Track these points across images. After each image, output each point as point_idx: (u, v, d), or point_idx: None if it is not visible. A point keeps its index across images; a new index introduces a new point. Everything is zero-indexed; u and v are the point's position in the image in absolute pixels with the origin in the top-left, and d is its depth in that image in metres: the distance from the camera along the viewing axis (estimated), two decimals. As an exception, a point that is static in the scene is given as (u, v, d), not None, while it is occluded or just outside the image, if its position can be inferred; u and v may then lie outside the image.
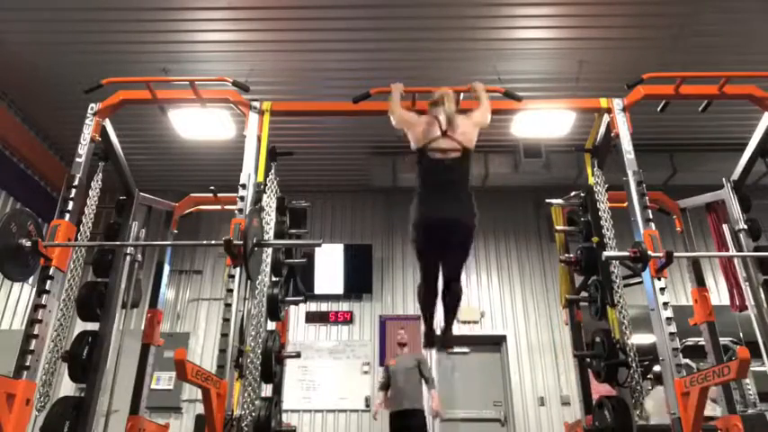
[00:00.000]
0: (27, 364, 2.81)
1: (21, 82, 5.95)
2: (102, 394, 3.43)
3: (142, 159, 7.07)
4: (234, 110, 3.96)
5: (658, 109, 3.85)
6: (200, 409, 5.93)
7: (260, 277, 3.45)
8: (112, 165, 3.88)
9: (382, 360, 6.81)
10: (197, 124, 5.84)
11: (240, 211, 3.28)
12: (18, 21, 5.14)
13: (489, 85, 3.58)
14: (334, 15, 5.16)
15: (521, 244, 7.77)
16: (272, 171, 3.93)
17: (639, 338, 3.66)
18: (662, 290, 3.04)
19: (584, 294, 4.18)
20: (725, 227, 3.90)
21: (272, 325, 3.92)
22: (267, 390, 3.75)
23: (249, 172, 3.45)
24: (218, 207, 4.73)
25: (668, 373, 2.90)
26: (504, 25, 5.30)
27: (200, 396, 2.66)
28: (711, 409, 5.17)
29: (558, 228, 4.64)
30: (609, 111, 3.71)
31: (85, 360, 3.43)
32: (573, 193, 4.42)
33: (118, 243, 3.84)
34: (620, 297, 3.53)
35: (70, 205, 3.25)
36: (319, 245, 3.55)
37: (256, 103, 3.75)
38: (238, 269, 3.12)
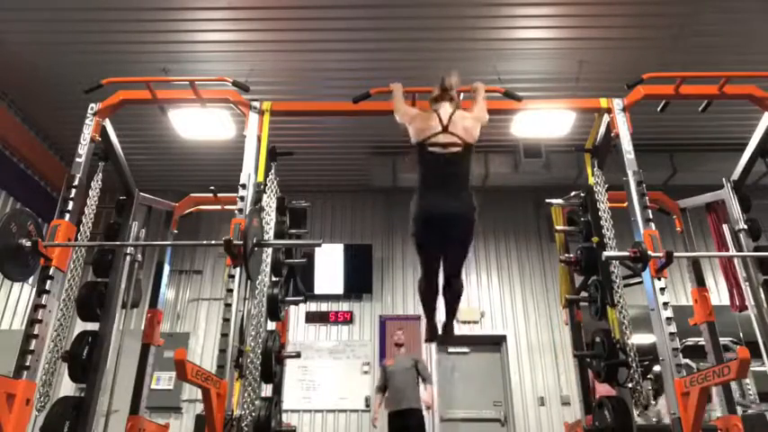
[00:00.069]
0: (27, 364, 2.81)
1: (21, 82, 5.95)
2: (102, 394, 3.43)
3: (142, 159, 7.07)
4: (234, 110, 3.96)
5: (658, 109, 3.85)
6: (200, 408, 5.94)
7: (260, 277, 3.45)
8: (112, 165, 3.88)
9: (382, 360, 6.81)
10: (197, 124, 5.84)
11: (240, 211, 3.28)
12: (18, 21, 5.14)
13: (489, 85, 3.58)
14: (334, 15, 5.16)
15: (521, 244, 7.77)
16: (272, 171, 3.93)
17: (639, 338, 3.66)
18: (662, 290, 3.04)
19: (584, 294, 4.18)
20: (725, 227, 3.90)
21: (272, 325, 3.93)
22: (267, 390, 3.75)
23: (249, 172, 3.45)
24: (218, 207, 4.73)
25: (668, 373, 2.90)
26: (504, 25, 5.30)
27: (200, 396, 2.66)
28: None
29: (558, 228, 4.64)
30: (609, 111, 3.71)
31: (85, 360, 3.43)
32: (573, 193, 4.42)
33: (118, 243, 3.84)
34: (620, 297, 3.53)
35: (70, 205, 3.25)
36: (319, 245, 3.56)
37: (256, 103, 3.75)
38: (238, 269, 3.12)
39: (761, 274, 3.59)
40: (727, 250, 3.85)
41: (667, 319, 2.97)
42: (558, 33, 5.38)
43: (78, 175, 3.35)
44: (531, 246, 7.74)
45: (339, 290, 7.43)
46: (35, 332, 2.90)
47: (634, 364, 3.34)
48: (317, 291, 7.37)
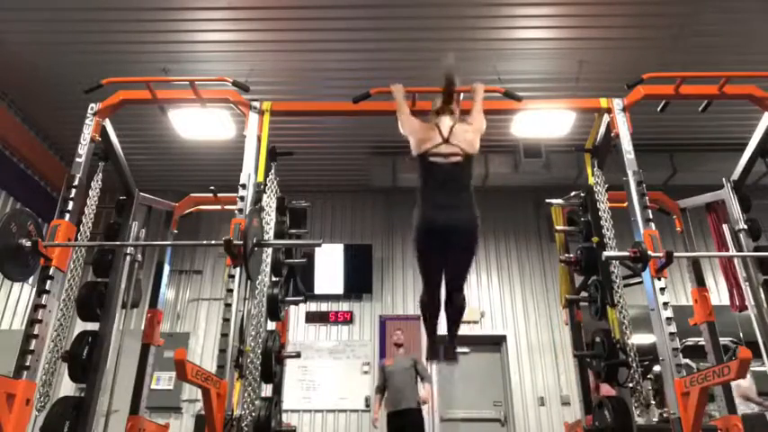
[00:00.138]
0: (27, 364, 2.81)
1: (21, 82, 5.95)
2: (102, 394, 3.43)
3: (142, 159, 7.07)
4: (234, 110, 3.96)
5: (658, 109, 3.85)
6: (199, 406, 5.93)
7: (260, 277, 3.45)
8: (112, 165, 3.88)
9: (381, 360, 6.81)
10: (197, 124, 5.84)
11: (240, 211, 3.28)
12: (18, 21, 5.14)
13: (489, 86, 3.58)
14: (334, 15, 5.16)
15: (521, 244, 7.77)
16: (272, 171, 3.93)
17: (639, 338, 3.66)
18: (662, 290, 3.04)
19: (584, 294, 4.18)
20: (725, 227, 3.89)
21: (272, 325, 3.93)
22: (267, 390, 3.75)
23: (249, 172, 3.45)
24: (218, 207, 4.73)
25: (668, 373, 2.90)
26: (504, 25, 5.30)
27: (200, 396, 2.66)
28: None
29: (558, 228, 4.64)
30: (609, 111, 3.71)
31: (85, 360, 3.43)
32: (573, 193, 4.42)
33: (118, 243, 3.84)
34: (620, 297, 3.53)
35: (70, 205, 3.25)
36: (319, 245, 3.55)
37: (256, 103, 3.75)
38: (238, 269, 3.11)
39: (761, 274, 3.59)
40: (727, 250, 3.85)
41: (667, 319, 2.97)
42: (558, 33, 5.38)
43: (78, 175, 3.35)
44: (531, 246, 7.74)
45: (339, 290, 7.43)
46: (35, 332, 2.90)
47: (634, 364, 3.34)
48: (317, 291, 7.37)
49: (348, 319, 7.34)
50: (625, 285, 3.60)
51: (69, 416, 3.21)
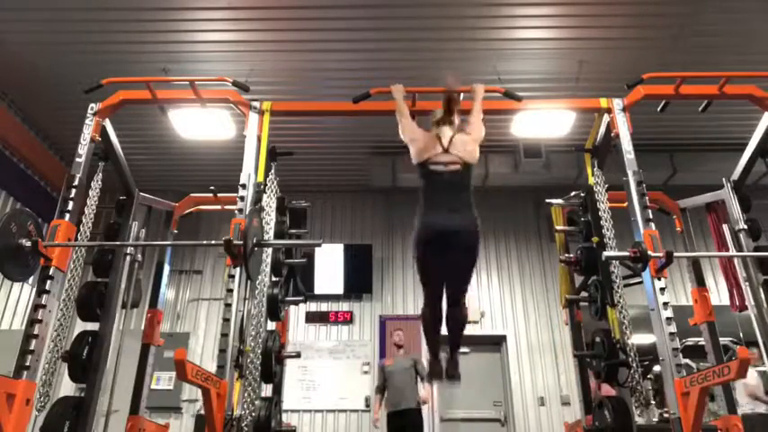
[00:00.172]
0: (27, 364, 2.81)
1: (21, 82, 5.95)
2: (102, 394, 3.43)
3: (142, 159, 7.07)
4: (234, 110, 3.96)
5: (658, 109, 3.85)
6: (199, 406, 5.93)
7: (260, 277, 3.45)
8: (112, 165, 3.88)
9: (381, 360, 6.81)
10: (197, 124, 5.84)
11: (240, 211, 3.28)
12: (18, 21, 5.14)
13: (489, 86, 3.58)
14: (334, 15, 5.16)
15: (521, 244, 7.77)
16: (272, 171, 3.93)
17: (639, 338, 3.66)
18: (662, 290, 3.04)
19: (584, 294, 4.18)
20: (725, 227, 3.90)
21: (272, 325, 3.92)
22: (267, 390, 3.75)
23: (249, 172, 3.45)
24: (218, 207, 4.73)
25: (668, 373, 2.90)
26: (504, 25, 5.30)
27: (200, 396, 2.66)
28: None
29: (558, 228, 4.64)
30: (609, 111, 3.71)
31: (85, 360, 3.43)
32: (573, 193, 4.42)
33: (118, 243, 3.84)
34: (620, 297, 3.53)
35: (70, 205, 3.24)
36: (319, 245, 3.55)
37: (256, 103, 3.75)
38: (238, 269, 3.11)
39: (761, 274, 3.59)
40: (727, 250, 3.85)
41: (667, 319, 2.97)
42: (558, 33, 5.38)
43: (78, 175, 3.35)
44: (531, 246, 7.74)
45: (339, 290, 7.43)
46: (35, 332, 2.90)
47: (634, 364, 3.34)
48: (317, 291, 7.37)
49: (348, 319, 7.34)
50: (625, 285, 3.60)
51: (69, 416, 3.20)
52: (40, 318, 2.93)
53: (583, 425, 3.90)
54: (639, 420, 5.31)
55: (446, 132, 3.07)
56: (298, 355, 4.16)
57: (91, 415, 3.28)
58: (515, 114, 5.32)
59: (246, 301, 3.31)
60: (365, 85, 3.76)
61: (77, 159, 3.40)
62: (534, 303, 7.39)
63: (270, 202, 3.76)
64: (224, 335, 3.01)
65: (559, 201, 4.68)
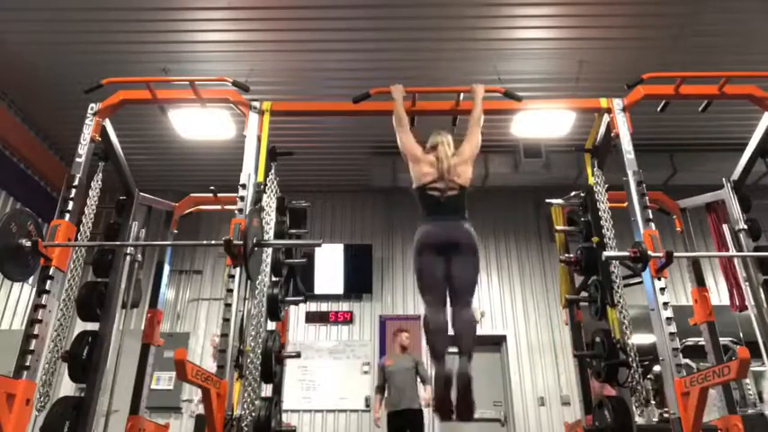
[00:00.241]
0: (27, 364, 2.81)
1: (21, 82, 5.95)
2: (102, 394, 3.43)
3: (142, 159, 7.07)
4: (234, 110, 3.96)
5: (658, 109, 3.85)
6: (199, 408, 5.93)
7: (260, 277, 3.44)
8: (112, 165, 3.87)
9: (381, 359, 6.80)
10: (197, 124, 5.84)
11: (240, 211, 3.28)
12: (18, 21, 5.14)
13: (489, 86, 3.59)
14: (334, 15, 5.16)
15: (521, 244, 7.77)
16: (272, 171, 3.93)
17: (639, 338, 3.66)
18: (662, 290, 3.04)
19: (584, 294, 4.17)
20: (725, 227, 3.89)
21: (272, 325, 3.92)
22: (267, 390, 3.75)
23: (249, 172, 3.45)
24: (218, 207, 4.72)
25: (668, 373, 2.89)
26: (504, 25, 5.30)
27: (195, 396, 2.66)
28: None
29: (558, 228, 4.63)
30: (609, 111, 3.70)
31: (85, 360, 3.42)
32: (573, 193, 4.42)
33: (118, 243, 3.84)
34: (620, 297, 3.53)
35: (70, 205, 3.24)
36: (319, 245, 3.55)
37: (256, 103, 3.74)
38: (238, 269, 3.11)
39: (761, 274, 3.58)
40: (727, 250, 3.85)
41: (667, 319, 2.96)
42: (558, 33, 5.39)
43: (78, 175, 3.35)
44: (531, 246, 7.74)
45: (339, 290, 7.43)
46: (35, 332, 2.89)
47: (634, 364, 3.34)
48: (317, 291, 7.37)
49: (348, 319, 7.34)
50: (625, 285, 3.59)
51: (69, 416, 3.20)
52: (40, 318, 2.93)
53: (583, 425, 3.90)
54: (639, 420, 5.30)
55: (444, 157, 3.21)
56: (298, 355, 4.15)
57: (91, 415, 3.28)
58: (515, 114, 5.32)
59: (246, 301, 3.31)
60: (365, 85, 3.76)
61: (77, 159, 3.40)
62: (534, 303, 7.39)
63: (270, 202, 3.76)
64: (224, 335, 3.01)
65: (559, 201, 4.68)
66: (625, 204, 3.42)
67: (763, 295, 3.54)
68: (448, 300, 3.21)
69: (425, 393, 5.63)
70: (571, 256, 4.19)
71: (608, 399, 3.50)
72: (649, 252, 2.95)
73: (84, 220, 3.44)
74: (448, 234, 3.11)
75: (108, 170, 3.77)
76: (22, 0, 4.91)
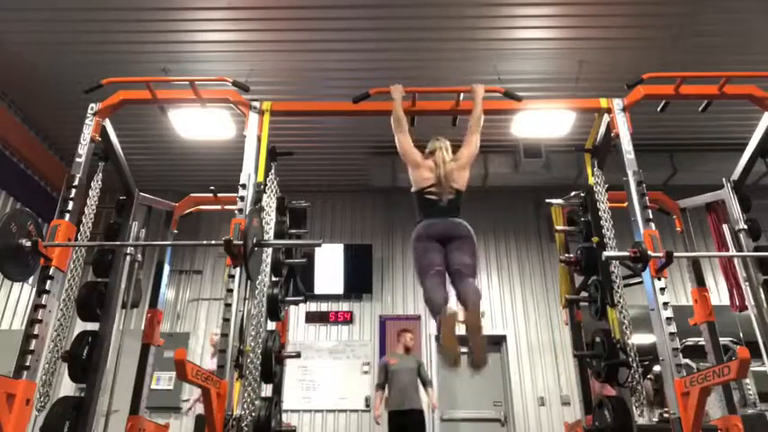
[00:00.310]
0: (27, 364, 2.81)
1: (21, 82, 5.95)
2: (102, 394, 3.43)
3: (142, 159, 7.07)
4: (234, 110, 3.95)
5: (658, 109, 3.85)
6: (199, 408, 5.93)
7: (260, 277, 3.44)
8: (112, 165, 3.87)
9: (383, 357, 6.80)
10: (197, 124, 5.84)
11: (240, 211, 3.28)
12: (18, 21, 5.14)
13: (489, 86, 3.59)
14: (334, 15, 5.16)
15: (521, 244, 7.77)
16: (272, 171, 3.93)
17: (639, 338, 3.66)
18: (662, 290, 3.04)
19: (584, 294, 4.17)
20: (725, 227, 3.89)
21: (272, 325, 3.92)
22: (267, 390, 3.75)
23: (249, 172, 3.45)
24: (218, 207, 4.72)
25: (668, 373, 2.89)
26: (504, 25, 5.30)
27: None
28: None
29: (558, 228, 4.63)
30: (609, 111, 3.70)
31: (85, 360, 3.42)
32: (573, 193, 4.42)
33: (118, 243, 3.84)
34: (620, 297, 3.52)
35: (70, 205, 3.24)
36: (319, 245, 3.54)
37: (256, 103, 3.74)
38: (238, 269, 3.11)
39: (761, 274, 3.58)
40: (727, 250, 3.85)
41: (667, 319, 2.96)
42: (558, 33, 5.39)
43: (78, 175, 3.35)
44: (531, 246, 7.74)
45: (339, 290, 7.44)
46: (35, 332, 2.89)
47: (634, 364, 3.34)
48: (317, 291, 7.38)
49: (348, 319, 7.34)
50: (625, 285, 3.59)
51: (69, 416, 3.20)
52: (40, 318, 2.93)
53: (583, 425, 3.90)
54: (639, 420, 5.30)
55: (442, 163, 3.29)
56: (298, 355, 4.15)
57: (91, 415, 3.28)
58: (515, 114, 5.32)
59: (246, 301, 3.31)
60: (365, 85, 3.76)
61: (77, 159, 3.40)
62: (534, 303, 7.40)
63: (270, 202, 3.76)
64: (224, 335, 3.01)
65: (559, 201, 4.68)
66: (625, 204, 3.41)
67: (763, 295, 3.54)
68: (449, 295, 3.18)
69: (431, 399, 5.63)
70: (571, 256, 4.18)
71: (608, 399, 3.50)
72: (649, 252, 2.95)
73: (84, 220, 3.44)
74: (444, 226, 3.21)
75: (108, 170, 3.77)
76: (22, 0, 4.91)
